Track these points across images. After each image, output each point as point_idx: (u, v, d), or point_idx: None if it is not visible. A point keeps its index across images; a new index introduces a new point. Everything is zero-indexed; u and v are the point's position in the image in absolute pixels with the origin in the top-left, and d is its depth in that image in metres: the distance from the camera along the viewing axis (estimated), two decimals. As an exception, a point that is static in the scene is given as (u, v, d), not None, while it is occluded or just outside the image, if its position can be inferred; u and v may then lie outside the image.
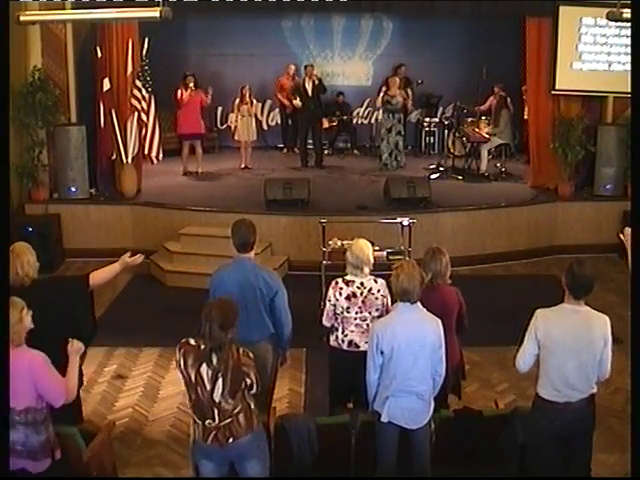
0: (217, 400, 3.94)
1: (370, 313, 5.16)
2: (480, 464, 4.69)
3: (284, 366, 5.59)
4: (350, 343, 5.19)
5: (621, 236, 5.08)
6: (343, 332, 5.22)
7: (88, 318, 4.98)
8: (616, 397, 6.08)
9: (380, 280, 5.22)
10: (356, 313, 5.17)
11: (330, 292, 5.24)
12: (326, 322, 5.31)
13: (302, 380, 6.54)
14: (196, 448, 4.14)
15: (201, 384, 3.93)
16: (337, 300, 5.19)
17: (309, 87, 11.99)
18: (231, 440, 4.00)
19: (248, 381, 4.01)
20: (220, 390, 3.92)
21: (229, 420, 3.98)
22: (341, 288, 5.19)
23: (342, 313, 5.19)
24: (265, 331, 5.11)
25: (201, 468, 4.16)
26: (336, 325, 5.26)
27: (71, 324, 4.62)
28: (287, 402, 6.23)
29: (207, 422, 3.98)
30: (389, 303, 5.18)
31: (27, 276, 4.58)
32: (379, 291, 5.18)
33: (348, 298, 5.17)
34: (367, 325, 5.15)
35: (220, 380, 3.91)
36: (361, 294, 5.16)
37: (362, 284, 5.18)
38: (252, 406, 4.11)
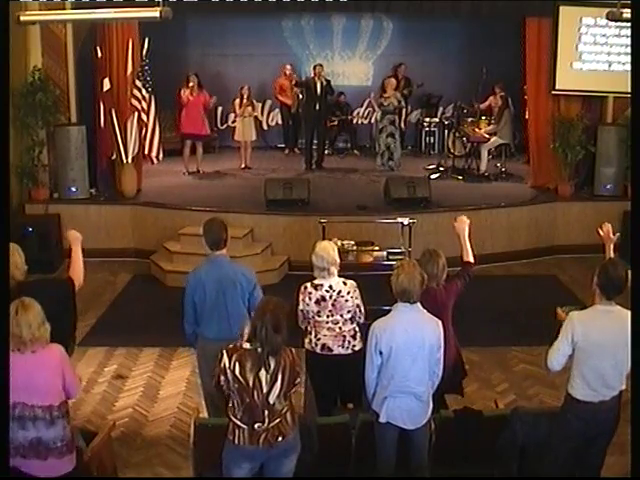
0: (272, 402, 3.92)
1: (342, 316, 5.10)
2: (480, 464, 4.69)
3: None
4: (323, 347, 5.14)
5: (600, 232, 5.08)
6: (316, 336, 5.16)
7: (70, 321, 4.94)
8: (616, 397, 6.08)
9: (350, 282, 5.16)
10: (327, 317, 5.10)
11: (299, 297, 5.16)
12: (302, 325, 5.28)
13: (302, 380, 6.53)
14: (237, 451, 4.04)
15: (258, 388, 3.89)
16: (307, 305, 5.12)
17: (318, 87, 11.97)
18: (280, 439, 3.99)
19: (298, 380, 4.02)
20: (277, 392, 3.91)
21: (278, 420, 3.97)
22: (310, 293, 5.12)
23: (313, 317, 5.13)
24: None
25: (238, 471, 4.08)
26: (309, 329, 5.21)
27: (55, 327, 4.58)
28: (287, 402, 6.23)
29: (256, 426, 3.94)
30: (361, 304, 5.16)
31: (12, 278, 4.52)
32: (349, 293, 5.11)
33: (318, 302, 5.09)
34: (339, 328, 5.11)
35: (279, 381, 3.90)
36: (330, 297, 5.09)
37: (331, 287, 5.10)
38: (294, 404, 4.13)
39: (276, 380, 3.90)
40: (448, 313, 5.04)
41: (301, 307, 5.16)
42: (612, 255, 5.01)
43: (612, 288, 4.18)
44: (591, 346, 4.19)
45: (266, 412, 3.93)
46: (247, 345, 3.92)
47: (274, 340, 3.84)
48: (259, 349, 3.87)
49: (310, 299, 5.12)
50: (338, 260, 5.18)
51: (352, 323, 5.16)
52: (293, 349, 4.04)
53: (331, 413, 5.20)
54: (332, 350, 5.13)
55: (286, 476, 4.15)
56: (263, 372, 3.88)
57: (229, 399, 4.01)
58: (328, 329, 5.12)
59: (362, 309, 5.18)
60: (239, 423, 3.98)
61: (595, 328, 4.20)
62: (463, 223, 5.46)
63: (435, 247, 5.18)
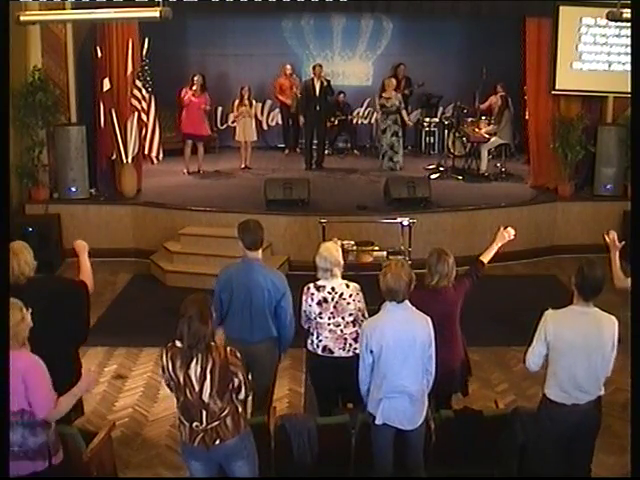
0: (206, 401, 3.93)
1: (343, 318, 5.09)
2: (480, 464, 4.69)
3: (280, 366, 5.61)
4: (324, 349, 5.13)
5: (606, 238, 5.07)
6: (318, 337, 5.16)
7: (83, 321, 4.98)
8: (616, 397, 6.07)
9: (352, 284, 5.15)
10: (329, 319, 5.09)
11: (302, 298, 5.16)
12: (305, 325, 5.27)
13: (302, 380, 6.54)
14: (184, 448, 4.15)
15: (190, 385, 3.92)
16: (309, 306, 5.12)
17: (317, 87, 11.96)
18: (217, 442, 4.00)
19: (236, 381, 3.98)
20: (208, 390, 3.92)
21: (216, 423, 3.98)
22: (312, 294, 5.12)
23: (315, 319, 5.13)
24: (267, 332, 5.11)
25: (190, 468, 4.17)
26: (311, 330, 5.21)
27: (64, 324, 4.63)
28: (287, 402, 6.23)
29: (194, 425, 3.98)
30: (364, 308, 5.14)
31: (22, 274, 4.61)
32: (351, 296, 5.10)
33: (319, 304, 5.09)
34: (341, 331, 5.10)
35: (208, 379, 3.90)
36: (332, 299, 5.08)
37: (333, 289, 5.09)
38: (240, 409, 4.10)
39: (205, 378, 3.90)
40: (458, 311, 5.03)
41: (304, 308, 5.16)
42: (617, 262, 4.98)
43: (588, 289, 4.16)
44: (563, 345, 4.18)
45: (204, 412, 3.95)
46: (178, 343, 3.97)
47: (199, 331, 3.87)
48: (186, 345, 3.91)
49: (312, 300, 5.11)
50: (342, 262, 5.18)
51: (354, 326, 5.14)
52: (230, 348, 4.02)
53: (331, 413, 5.20)
54: (333, 352, 5.12)
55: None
56: (192, 370, 3.91)
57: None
58: (330, 331, 5.12)
59: (365, 314, 5.14)
60: (182, 419, 4.05)
61: (568, 328, 4.19)
62: (509, 234, 5.47)
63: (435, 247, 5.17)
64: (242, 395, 4.06)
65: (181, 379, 3.94)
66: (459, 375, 5.14)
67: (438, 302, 4.65)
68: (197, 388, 3.92)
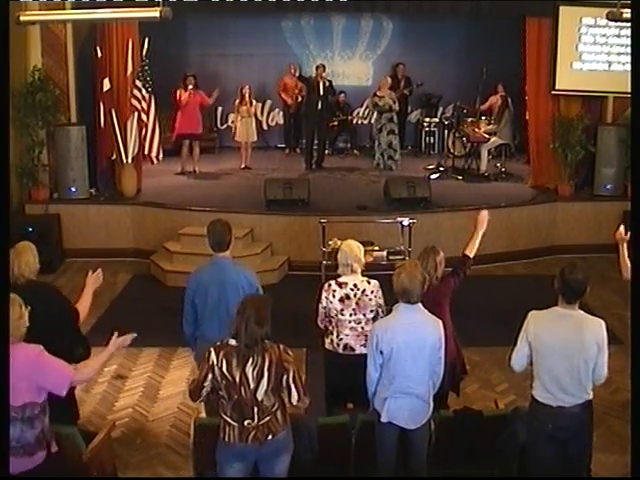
0: (260, 398, 3.92)
1: (365, 315, 5.10)
2: (480, 464, 4.69)
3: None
4: (345, 347, 5.13)
5: (617, 236, 5.06)
6: (338, 336, 5.15)
7: (78, 339, 5.00)
8: (616, 397, 6.09)
9: (373, 281, 5.17)
10: (350, 315, 5.10)
11: (323, 295, 5.17)
12: (321, 324, 5.27)
13: (302, 380, 6.52)
14: (228, 450, 4.05)
15: (245, 384, 3.90)
16: (330, 302, 5.12)
17: (321, 87, 11.95)
18: (270, 437, 3.98)
19: (286, 377, 3.93)
20: (264, 388, 3.91)
21: (268, 418, 3.97)
22: (334, 290, 5.13)
23: (336, 316, 5.12)
24: None
25: (229, 470, 4.08)
26: (330, 328, 5.20)
27: (56, 336, 4.58)
28: (287, 402, 6.22)
29: (246, 422, 3.94)
30: (382, 304, 5.14)
31: (22, 276, 4.64)
32: (372, 292, 5.12)
33: (342, 300, 5.10)
34: (362, 328, 5.10)
35: (265, 377, 3.89)
36: (354, 296, 5.09)
37: (355, 285, 5.11)
38: (286, 402, 4.08)
39: (262, 376, 3.89)
40: (442, 310, 5.01)
41: (324, 304, 5.16)
42: (625, 254, 4.99)
43: (569, 291, 4.14)
44: (542, 347, 4.18)
45: (255, 409, 3.93)
46: (233, 342, 3.93)
47: (255, 332, 3.85)
48: (242, 344, 3.88)
49: (334, 297, 5.12)
50: (362, 260, 5.19)
51: (374, 323, 5.15)
52: (282, 346, 4.01)
53: (332, 413, 5.20)
54: (354, 350, 5.11)
55: (279, 477, 4.14)
56: (249, 368, 3.88)
57: (219, 397, 4.01)
58: (350, 328, 5.12)
59: (384, 310, 5.14)
60: (229, 420, 3.99)
61: (547, 329, 4.18)
62: (485, 217, 5.49)
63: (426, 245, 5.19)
64: (295, 400, 3.98)
65: (237, 378, 3.89)
66: (451, 374, 5.12)
67: (427, 300, 4.62)
68: (253, 386, 3.90)
